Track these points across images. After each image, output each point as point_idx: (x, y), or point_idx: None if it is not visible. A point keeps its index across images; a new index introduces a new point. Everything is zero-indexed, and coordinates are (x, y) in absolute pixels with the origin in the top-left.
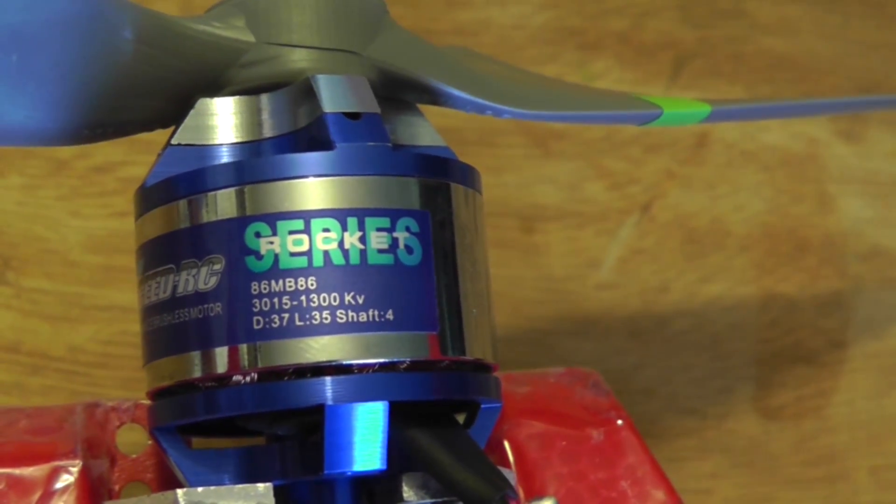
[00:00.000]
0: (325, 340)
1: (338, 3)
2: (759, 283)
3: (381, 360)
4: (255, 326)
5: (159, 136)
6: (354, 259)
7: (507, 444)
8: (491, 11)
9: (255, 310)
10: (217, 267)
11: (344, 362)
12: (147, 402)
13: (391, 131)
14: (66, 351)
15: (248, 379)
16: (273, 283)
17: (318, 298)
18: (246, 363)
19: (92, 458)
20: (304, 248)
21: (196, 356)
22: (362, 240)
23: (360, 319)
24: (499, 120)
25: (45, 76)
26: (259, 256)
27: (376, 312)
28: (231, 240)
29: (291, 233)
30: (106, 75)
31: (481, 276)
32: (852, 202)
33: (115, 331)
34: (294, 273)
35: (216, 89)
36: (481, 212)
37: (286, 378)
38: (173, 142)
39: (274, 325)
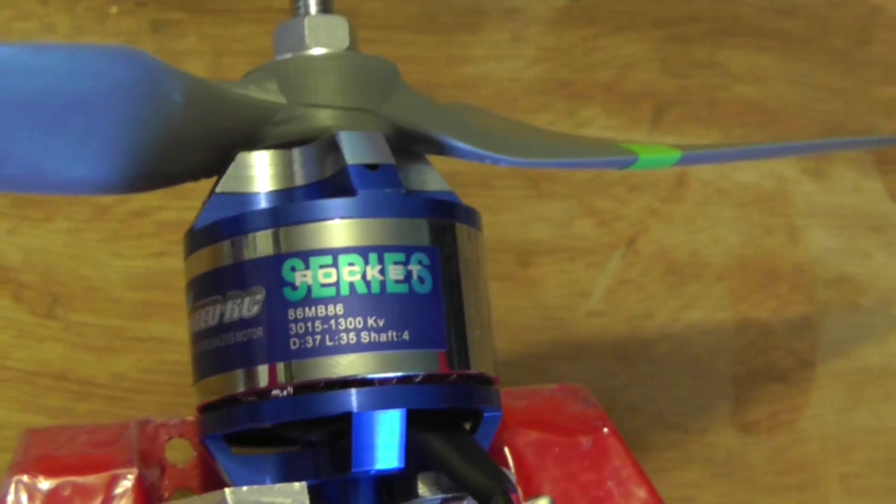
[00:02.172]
0: (351, 358)
1: (356, 68)
2: (734, 309)
3: (399, 374)
4: (292, 347)
5: (192, 184)
6: (375, 288)
7: (507, 451)
8: (489, 66)
9: (291, 333)
10: (259, 297)
11: (367, 376)
12: (191, 419)
13: (404, 179)
14: (109, 378)
15: (285, 392)
16: (307, 309)
17: (345, 322)
18: (283, 378)
19: (145, 468)
20: (333, 279)
21: (241, 373)
22: (382, 272)
23: (381, 339)
24: None
25: (107, 135)
26: (294, 287)
27: (394, 333)
28: (270, 274)
29: (322, 267)
30: (159, 133)
31: (483, 302)
32: (819, 234)
33: (154, 360)
34: (324, 301)
35: (253, 144)
36: (482, 247)
37: (318, 391)
38: (217, 190)
39: (308, 346)
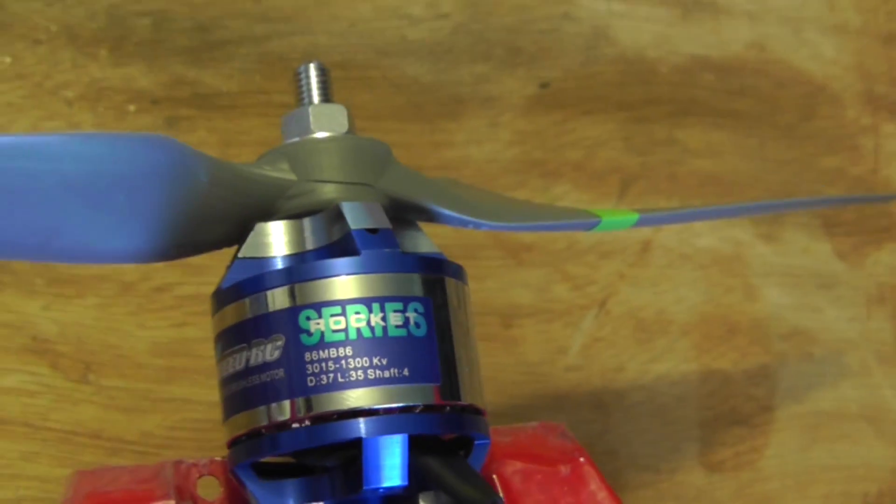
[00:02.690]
0: (359, 392)
1: (355, 149)
2: (698, 361)
3: (401, 405)
4: (309, 384)
5: (207, 260)
6: (378, 333)
7: (496, 478)
8: (469, 150)
9: (308, 372)
10: (279, 343)
11: (373, 407)
12: (219, 458)
13: (399, 242)
14: (138, 436)
15: (303, 423)
16: (321, 352)
17: (354, 362)
18: (302, 412)
19: (180, 501)
20: (342, 326)
21: (265, 409)
22: (383, 319)
23: (385, 376)
24: (479, 236)
25: (144, 211)
26: (310, 334)
27: (396, 370)
28: (288, 323)
29: (332, 315)
30: (188, 209)
31: (470, 344)
32: (773, 292)
33: (177, 418)
34: (335, 344)
35: (269, 216)
36: (468, 297)
37: (332, 420)
38: (240, 256)
39: (322, 383)
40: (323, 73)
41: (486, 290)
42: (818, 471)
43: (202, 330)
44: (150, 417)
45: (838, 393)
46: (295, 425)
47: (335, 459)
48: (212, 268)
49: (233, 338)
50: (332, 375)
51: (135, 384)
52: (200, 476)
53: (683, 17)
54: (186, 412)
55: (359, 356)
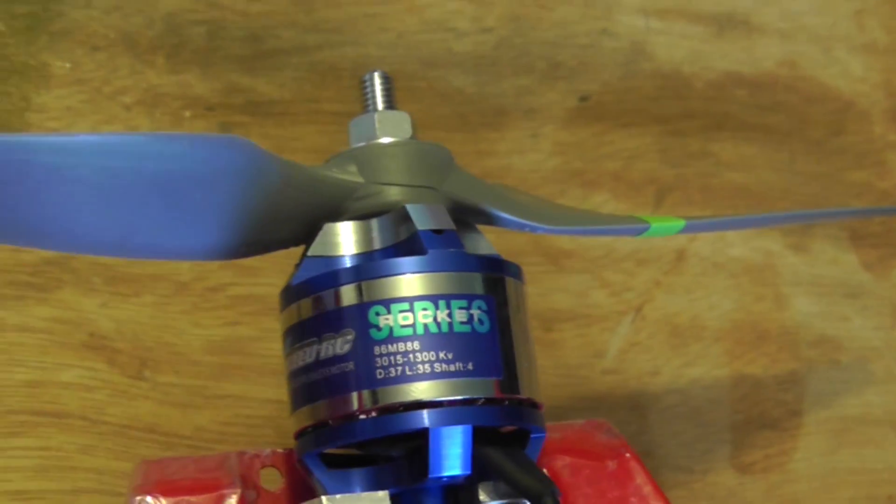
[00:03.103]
0: (426, 384)
1: (420, 153)
2: (730, 367)
3: (464, 397)
4: (378, 377)
5: (259, 262)
6: (444, 328)
7: (546, 472)
8: (512, 159)
9: (377, 365)
10: (349, 337)
11: (438, 399)
12: (280, 450)
13: (469, 242)
14: (192, 431)
15: (371, 414)
16: (389, 346)
17: (421, 356)
18: (369, 403)
19: (245, 489)
20: (410, 322)
21: (333, 401)
22: (449, 315)
23: (450, 369)
24: (521, 243)
25: (218, 209)
26: (379, 329)
27: (460, 364)
28: (359, 318)
29: (401, 312)
30: (260, 208)
31: (528, 340)
32: (802, 300)
33: (230, 414)
34: (404, 339)
35: (336, 216)
36: (525, 296)
37: (398, 411)
38: (309, 254)
39: (390, 376)
40: (387, 81)
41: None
42: (844, 473)
43: (254, 329)
44: (203, 413)
45: (863, 399)
46: (362, 416)
47: (399, 449)
48: (263, 269)
49: (303, 332)
50: (399, 368)
51: (189, 381)
52: (263, 467)
53: (718, 34)
54: (239, 408)
55: (426, 350)
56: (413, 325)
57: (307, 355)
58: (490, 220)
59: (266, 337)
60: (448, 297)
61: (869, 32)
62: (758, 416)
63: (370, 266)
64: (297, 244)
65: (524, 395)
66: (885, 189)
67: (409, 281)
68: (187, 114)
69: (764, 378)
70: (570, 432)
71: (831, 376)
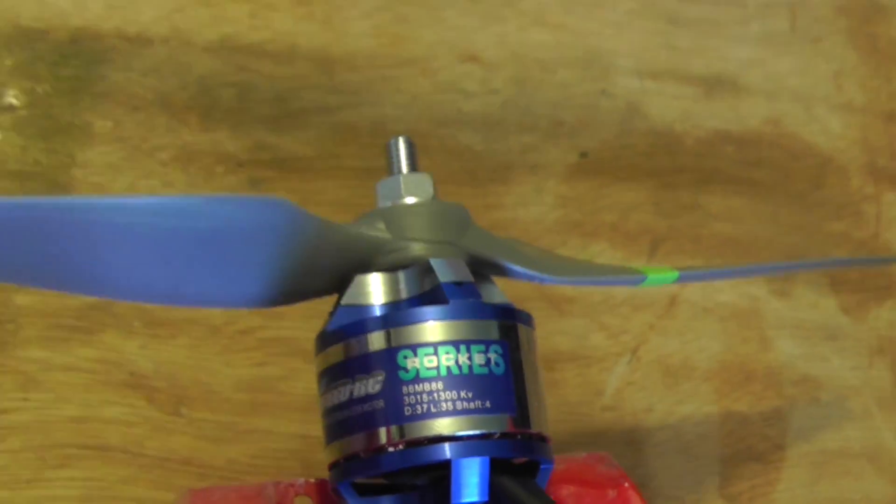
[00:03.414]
0: (447, 420)
1: (440, 213)
2: (719, 404)
3: (482, 432)
4: (406, 413)
5: (285, 308)
6: (465, 371)
7: (554, 500)
8: (517, 212)
9: (405, 403)
10: (380, 378)
11: (459, 434)
12: (312, 480)
13: (485, 292)
14: (224, 462)
15: (399, 447)
16: (416, 386)
17: (444, 395)
18: (397, 437)
19: None
20: (434, 364)
21: (365, 435)
22: (469, 359)
23: (469, 407)
24: (526, 290)
25: (262, 263)
26: (406, 371)
27: (479, 402)
28: (389, 361)
29: (426, 355)
30: (298, 262)
31: (538, 380)
32: (785, 342)
33: (259, 447)
34: (429, 380)
35: (366, 269)
36: (535, 340)
37: (423, 445)
38: (342, 303)
39: (417, 412)
40: (410, 146)
41: None
42: (825, 503)
43: (281, 369)
44: (234, 447)
45: (842, 434)
46: (391, 449)
47: (424, 479)
48: (289, 314)
49: (338, 373)
50: (425, 406)
51: (221, 417)
52: (297, 495)
53: (707, 94)
54: (267, 442)
55: (448, 390)
56: (437, 368)
57: (341, 394)
58: (503, 272)
59: (291, 376)
60: (468, 343)
61: (846, 93)
62: (744, 449)
63: (399, 315)
64: (329, 293)
65: (535, 429)
66: (861, 238)
67: (434, 328)
68: (219, 169)
69: (750, 415)
70: (573, 464)
71: (812, 413)
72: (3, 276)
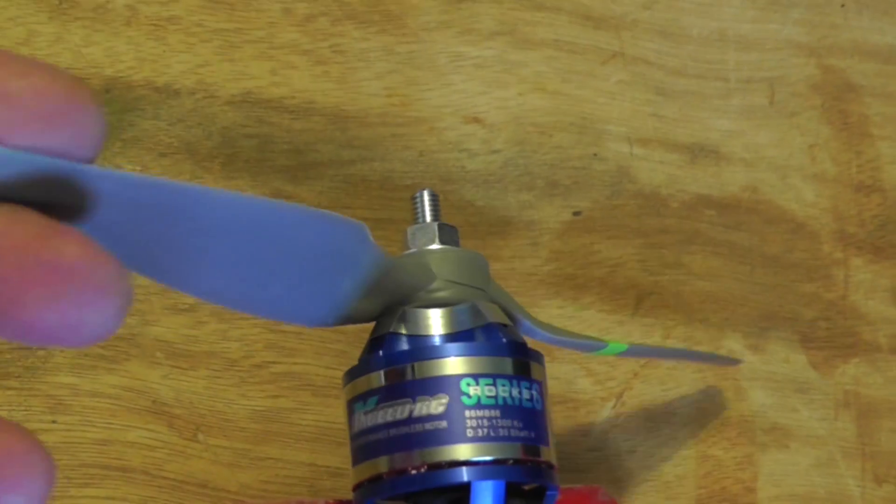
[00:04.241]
0: (466, 446)
1: (474, 261)
2: (696, 448)
3: (497, 458)
4: (469, 435)
5: (298, 345)
6: (516, 402)
7: None
8: (514, 264)
9: (468, 425)
10: (443, 401)
11: (476, 459)
12: (331, 501)
13: None
14: (238, 487)
15: (422, 469)
16: (477, 411)
17: (499, 422)
18: (419, 460)
19: None
20: (493, 393)
21: (390, 457)
22: (519, 392)
23: (491, 434)
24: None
25: (333, 282)
26: (469, 396)
27: (491, 431)
28: (452, 387)
29: (486, 385)
30: (360, 286)
31: (550, 415)
32: (758, 393)
33: (270, 474)
34: (489, 407)
35: (410, 302)
36: (546, 377)
37: (443, 468)
38: (391, 330)
39: (440, 437)
40: (434, 197)
41: None
42: None
43: (293, 401)
44: (248, 472)
45: (809, 479)
46: (413, 472)
47: (442, 500)
48: (301, 351)
49: (389, 395)
50: (526, 432)
51: (236, 444)
52: None
53: (691, 161)
54: (278, 469)
55: (504, 418)
56: (496, 396)
57: (397, 412)
58: (513, 321)
59: (302, 409)
60: (519, 378)
61: (819, 164)
62: (719, 491)
63: (454, 346)
64: (370, 321)
65: (544, 458)
66: (830, 299)
67: (493, 361)
68: None
69: (724, 458)
70: (571, 494)
71: (782, 459)
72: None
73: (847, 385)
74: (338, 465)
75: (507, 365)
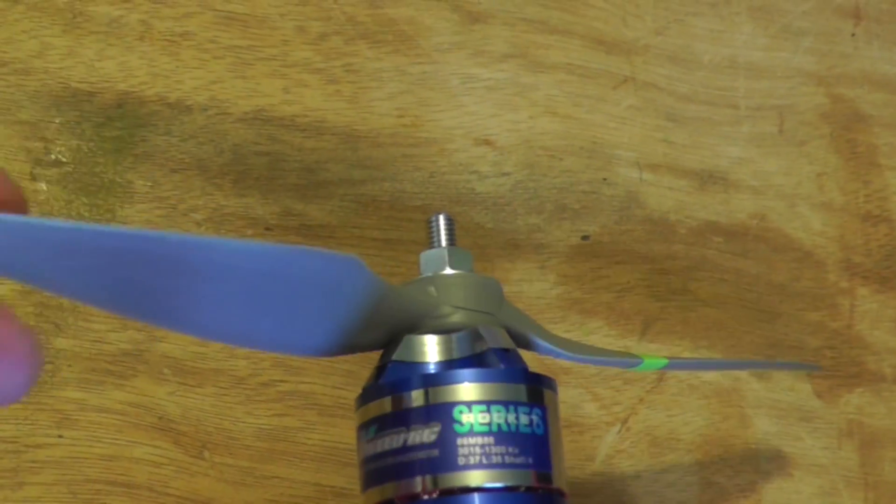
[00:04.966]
0: (478, 473)
1: (484, 285)
2: (700, 475)
3: (509, 484)
4: (444, 464)
5: (304, 364)
6: (513, 428)
7: None
8: (522, 286)
9: (455, 454)
10: (436, 429)
11: (487, 485)
12: None
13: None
14: None
15: (433, 495)
16: (469, 439)
17: (490, 449)
18: (431, 486)
19: None
20: (487, 420)
21: (403, 482)
22: (516, 418)
23: (501, 461)
24: (528, 360)
25: (329, 316)
26: (461, 424)
27: (515, 458)
28: (445, 414)
29: (480, 412)
30: (359, 318)
31: (561, 440)
32: (763, 421)
33: (275, 492)
34: (482, 434)
35: (415, 330)
36: (558, 406)
37: (456, 494)
38: (394, 358)
39: (457, 463)
40: (450, 222)
41: None
42: None
43: (298, 420)
44: (253, 491)
45: None
46: (425, 497)
47: None
48: (308, 370)
49: (387, 424)
50: (465, 458)
51: (242, 462)
52: None
53: (700, 188)
54: (283, 488)
55: (498, 444)
56: (489, 423)
57: (387, 443)
58: (529, 345)
59: (308, 428)
60: (516, 404)
61: (827, 193)
62: None
63: (453, 374)
64: (376, 349)
65: (556, 485)
66: (835, 328)
67: (488, 388)
68: (249, 232)
69: (728, 486)
70: None
71: (785, 487)
72: (90, 300)
73: (851, 414)
74: (343, 485)
75: (505, 391)
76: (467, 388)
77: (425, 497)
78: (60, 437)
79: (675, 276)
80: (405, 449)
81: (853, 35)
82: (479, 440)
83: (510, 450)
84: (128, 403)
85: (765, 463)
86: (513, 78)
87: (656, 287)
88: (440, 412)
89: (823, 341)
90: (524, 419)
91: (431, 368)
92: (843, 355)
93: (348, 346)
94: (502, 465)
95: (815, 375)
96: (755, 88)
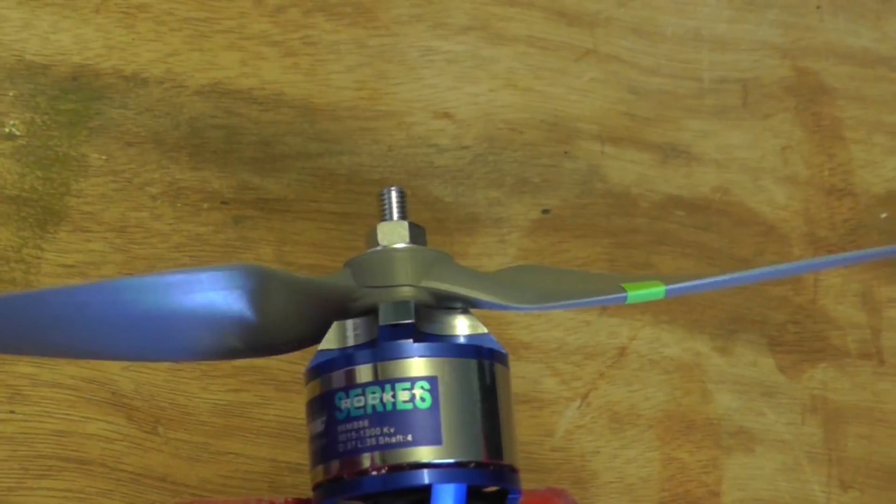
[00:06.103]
0: (428, 448)
1: (404, 258)
2: (661, 451)
3: (459, 460)
4: (340, 450)
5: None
6: (444, 403)
7: None
8: (481, 261)
9: (340, 440)
10: (323, 418)
11: (438, 461)
12: (291, 499)
13: (452, 327)
14: (197, 482)
15: (381, 471)
16: (396, 416)
17: (369, 431)
18: (380, 462)
19: None
20: (408, 398)
21: (350, 460)
22: (393, 396)
23: (446, 437)
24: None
25: (234, 326)
26: (340, 411)
27: (454, 434)
28: (329, 404)
29: (402, 389)
30: (271, 317)
31: (511, 415)
32: (725, 396)
33: (230, 469)
34: (408, 412)
35: (344, 315)
36: (509, 379)
37: (405, 470)
38: (320, 348)
39: (395, 441)
40: (401, 195)
41: None
42: None
43: (254, 396)
44: (208, 467)
45: (774, 484)
46: (374, 472)
47: (404, 501)
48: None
49: (316, 406)
50: (399, 436)
51: (196, 438)
52: None
53: (662, 162)
54: (238, 464)
55: (373, 426)
56: (412, 400)
57: (321, 424)
58: (472, 304)
59: (264, 403)
60: (433, 380)
61: (792, 166)
62: (683, 494)
63: (375, 352)
64: (313, 343)
65: (506, 461)
66: (799, 303)
67: (412, 364)
68: (205, 206)
69: (689, 462)
70: (534, 497)
71: (747, 463)
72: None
73: (814, 389)
74: (299, 461)
75: (382, 370)
76: (349, 373)
77: (374, 473)
78: (12, 412)
79: (638, 250)
80: (315, 436)
81: (818, 7)
82: (355, 424)
83: (386, 430)
84: (81, 378)
85: (727, 438)
86: (473, 50)
87: (618, 261)
88: (325, 402)
89: (787, 316)
90: (404, 395)
91: (352, 352)
92: (806, 330)
93: (280, 344)
94: (375, 448)
95: (779, 350)
96: (719, 61)
